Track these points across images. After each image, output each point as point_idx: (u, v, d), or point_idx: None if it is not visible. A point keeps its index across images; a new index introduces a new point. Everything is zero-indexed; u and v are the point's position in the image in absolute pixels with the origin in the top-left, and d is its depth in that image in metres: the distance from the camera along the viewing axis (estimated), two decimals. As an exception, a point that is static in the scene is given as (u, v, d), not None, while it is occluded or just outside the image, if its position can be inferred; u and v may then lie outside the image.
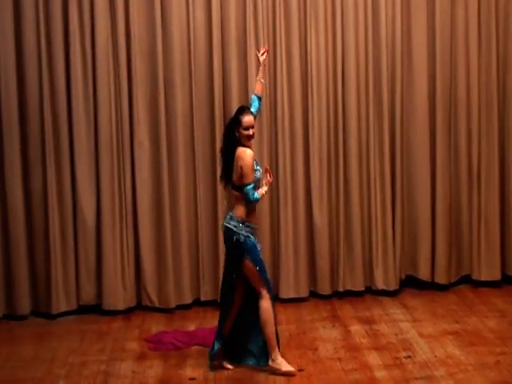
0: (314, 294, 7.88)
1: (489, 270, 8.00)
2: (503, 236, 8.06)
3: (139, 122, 7.55)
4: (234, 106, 7.54)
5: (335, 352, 6.46)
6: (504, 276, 8.07)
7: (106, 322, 7.40)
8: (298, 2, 7.65)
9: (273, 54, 7.66)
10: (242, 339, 6.23)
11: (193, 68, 7.57)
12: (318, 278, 7.84)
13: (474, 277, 8.05)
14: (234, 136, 5.95)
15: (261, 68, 6.43)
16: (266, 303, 6.00)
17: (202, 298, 7.73)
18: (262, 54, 6.42)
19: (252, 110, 6.19)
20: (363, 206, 7.87)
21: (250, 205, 5.95)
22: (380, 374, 5.97)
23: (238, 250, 5.98)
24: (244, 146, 5.94)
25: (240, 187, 5.93)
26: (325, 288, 7.84)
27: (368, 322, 7.14)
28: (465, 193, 8.03)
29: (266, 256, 7.71)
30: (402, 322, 7.08)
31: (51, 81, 7.42)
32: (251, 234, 5.98)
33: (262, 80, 6.41)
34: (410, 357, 6.24)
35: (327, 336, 6.84)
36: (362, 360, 6.25)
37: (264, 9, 7.60)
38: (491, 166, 7.97)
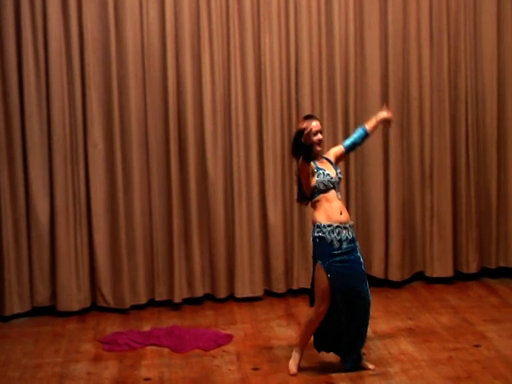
0: (268, 293, 7.91)
1: (441, 267, 8.10)
2: (455, 233, 8.16)
3: (93, 123, 7.50)
4: (188, 108, 7.59)
5: (290, 350, 6.43)
6: (456, 272, 8.17)
7: (61, 324, 7.35)
8: (251, 1, 7.67)
9: (227, 54, 7.68)
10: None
11: (146, 69, 7.56)
12: (273, 276, 7.88)
13: (427, 274, 8.15)
14: (302, 145, 5.71)
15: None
16: (312, 311, 5.91)
17: (157, 298, 7.72)
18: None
19: (348, 141, 6.15)
20: (317, 204, 7.91)
21: (321, 207, 5.82)
22: (335, 371, 6.01)
23: (313, 254, 5.93)
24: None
25: (311, 195, 5.88)
26: (279, 286, 7.88)
27: (323, 319, 7.19)
28: (417, 191, 8.12)
29: (220, 256, 7.75)
30: (357, 320, 7.15)
31: (3, 82, 7.35)
32: (328, 234, 5.79)
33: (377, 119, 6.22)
34: (364, 354, 6.28)
35: (282, 334, 6.88)
36: (317, 357, 6.27)
37: (218, 8, 7.61)
38: (443, 165, 8.07)
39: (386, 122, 6.37)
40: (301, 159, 5.72)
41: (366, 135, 6.18)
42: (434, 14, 7.98)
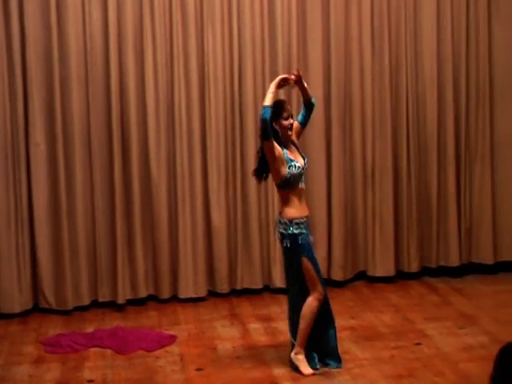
0: (212, 293, 7.91)
1: (383, 266, 8.19)
2: (397, 233, 8.25)
3: (35, 123, 7.43)
4: (132, 108, 7.57)
5: (234, 350, 6.51)
6: (398, 271, 8.27)
7: (2, 326, 7.25)
8: (194, 3, 7.67)
9: (170, 54, 7.67)
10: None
11: (89, 69, 7.50)
12: (217, 277, 7.89)
13: (369, 273, 8.24)
14: (273, 130, 5.77)
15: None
16: (313, 300, 5.91)
17: (101, 300, 7.67)
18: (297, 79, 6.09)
19: (300, 115, 6.17)
20: (261, 205, 7.95)
21: (293, 201, 5.84)
22: (278, 371, 6.03)
23: (293, 251, 5.88)
24: (283, 139, 5.85)
25: (279, 184, 5.88)
26: (223, 287, 7.89)
27: (266, 319, 7.22)
28: (360, 191, 8.20)
29: (164, 256, 7.74)
30: (300, 319, 7.19)
31: None
32: (304, 229, 5.84)
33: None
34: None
35: (226, 335, 6.89)
36: (260, 358, 6.30)
37: (161, 9, 7.60)
38: (385, 165, 8.16)
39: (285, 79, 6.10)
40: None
41: (309, 102, 6.14)
42: (375, 15, 8.07)
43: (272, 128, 5.78)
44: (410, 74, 8.16)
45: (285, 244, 5.90)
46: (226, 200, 7.88)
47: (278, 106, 5.89)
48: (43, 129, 7.47)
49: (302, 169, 5.89)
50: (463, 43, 8.23)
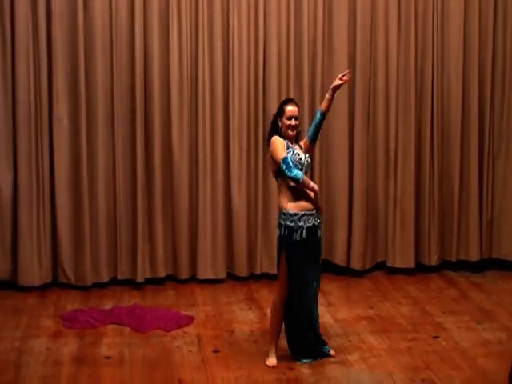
0: (231, 276, 7.92)
1: (403, 258, 8.15)
2: (418, 224, 8.21)
3: (58, 98, 7.44)
4: (156, 86, 7.58)
5: (251, 334, 6.52)
6: (417, 264, 8.23)
7: (21, 299, 7.30)
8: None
9: (195, 35, 7.68)
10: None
11: (114, 44, 7.51)
12: (236, 260, 7.89)
13: (389, 264, 8.21)
14: (276, 126, 5.89)
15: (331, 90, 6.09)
16: (277, 297, 5.95)
17: (119, 277, 7.69)
18: (342, 78, 6.07)
19: (310, 130, 6.07)
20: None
21: (292, 191, 5.81)
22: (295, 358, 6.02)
23: (280, 240, 5.93)
24: (284, 136, 5.86)
25: (277, 173, 5.86)
26: (242, 270, 7.89)
27: (284, 305, 7.21)
28: (381, 179, 8.17)
29: (183, 236, 7.73)
30: (318, 306, 7.18)
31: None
32: (298, 222, 5.79)
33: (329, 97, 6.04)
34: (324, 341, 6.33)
35: (243, 318, 6.90)
36: (278, 346, 6.30)
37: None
38: (408, 154, 8.11)
39: (338, 86, 6.10)
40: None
41: (322, 116, 6.03)
42: (402, 3, 8.01)
43: (277, 123, 5.90)
44: (436, 61, 8.08)
45: (278, 232, 5.94)
46: (248, 181, 7.88)
47: (283, 104, 5.95)
48: (67, 103, 7.48)
49: (301, 159, 5.84)
50: (490, 33, 8.15)
